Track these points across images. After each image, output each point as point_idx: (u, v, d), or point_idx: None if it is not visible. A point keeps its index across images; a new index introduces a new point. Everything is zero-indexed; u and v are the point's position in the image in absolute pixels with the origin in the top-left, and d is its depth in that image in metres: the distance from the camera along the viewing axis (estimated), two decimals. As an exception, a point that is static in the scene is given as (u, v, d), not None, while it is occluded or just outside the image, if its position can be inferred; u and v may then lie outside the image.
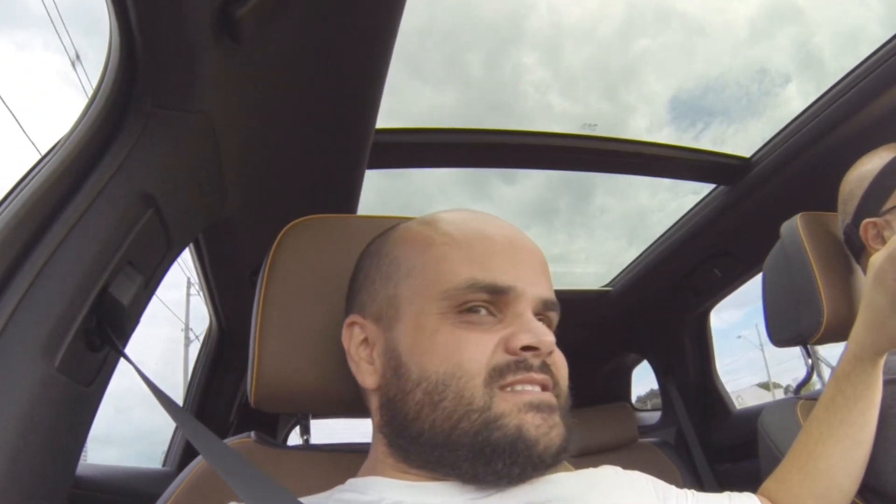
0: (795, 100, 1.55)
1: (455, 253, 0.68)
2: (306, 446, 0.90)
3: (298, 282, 0.85)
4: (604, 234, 2.43)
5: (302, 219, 0.90)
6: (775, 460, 1.17)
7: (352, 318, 0.74)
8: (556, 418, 0.64)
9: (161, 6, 0.75)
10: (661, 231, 2.31)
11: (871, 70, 1.41)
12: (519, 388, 0.63)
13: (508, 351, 0.64)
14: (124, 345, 0.87)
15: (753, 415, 2.42)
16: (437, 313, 0.65)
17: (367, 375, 0.71)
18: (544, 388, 0.65)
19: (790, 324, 1.24)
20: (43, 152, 0.82)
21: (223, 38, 0.84)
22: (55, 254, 0.74)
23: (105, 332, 0.82)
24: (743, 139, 1.64)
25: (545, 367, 0.65)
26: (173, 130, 0.91)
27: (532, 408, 0.62)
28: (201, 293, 1.87)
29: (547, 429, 0.62)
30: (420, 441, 0.65)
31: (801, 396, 1.26)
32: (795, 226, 1.22)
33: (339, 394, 0.81)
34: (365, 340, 0.72)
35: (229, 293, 1.74)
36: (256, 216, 1.32)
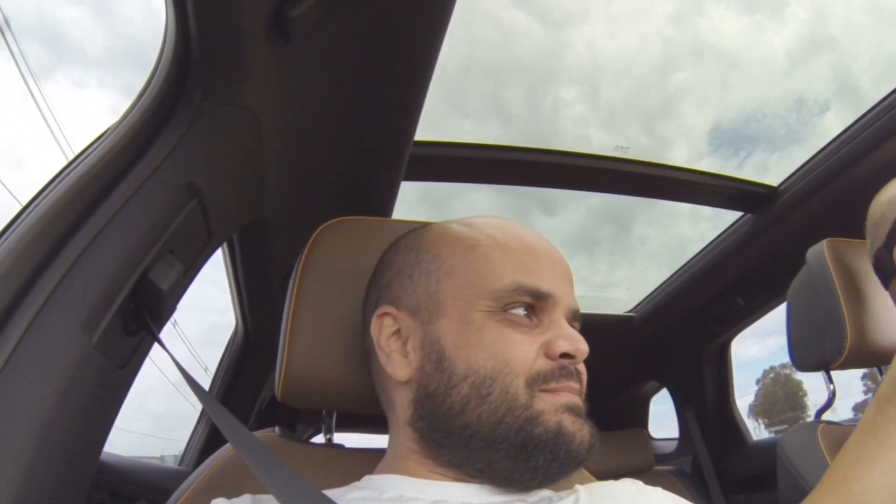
0: (835, 127, 1.55)
1: (500, 256, 0.70)
2: (329, 444, 0.90)
3: (331, 280, 0.87)
4: (644, 263, 2.44)
5: (337, 219, 0.92)
6: (795, 485, 1.16)
7: (384, 308, 0.74)
8: (584, 419, 0.67)
9: (219, 2, 0.78)
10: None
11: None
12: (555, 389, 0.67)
13: (549, 356, 0.67)
14: (159, 330, 0.88)
15: (770, 446, 2.42)
16: (483, 310, 0.67)
17: (400, 367, 0.71)
18: (574, 393, 0.68)
19: (814, 349, 1.24)
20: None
21: (276, 36, 0.87)
22: (99, 235, 0.76)
23: (142, 316, 0.84)
24: (786, 166, 1.65)
25: (577, 375, 0.69)
26: (221, 124, 0.94)
27: (568, 409, 0.66)
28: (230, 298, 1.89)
29: (580, 426, 0.66)
30: (464, 435, 0.66)
31: (822, 421, 1.25)
32: (822, 251, 1.23)
33: (365, 391, 0.82)
34: (397, 332, 0.73)
35: (258, 297, 1.75)
36: (293, 217, 1.34)
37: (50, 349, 0.68)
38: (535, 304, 0.69)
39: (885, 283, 1.04)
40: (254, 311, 1.87)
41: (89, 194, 0.77)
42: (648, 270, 2.72)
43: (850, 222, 1.23)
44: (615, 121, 2.28)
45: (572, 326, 0.72)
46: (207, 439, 2.04)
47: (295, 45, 0.90)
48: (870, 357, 1.18)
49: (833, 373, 1.28)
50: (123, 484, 1.42)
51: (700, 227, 2.03)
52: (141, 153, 0.85)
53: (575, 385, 0.68)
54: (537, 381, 0.66)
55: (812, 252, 1.27)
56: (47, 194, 0.75)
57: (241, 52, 0.86)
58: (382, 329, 0.74)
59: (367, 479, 0.72)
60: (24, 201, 0.78)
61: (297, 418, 2.66)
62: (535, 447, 0.64)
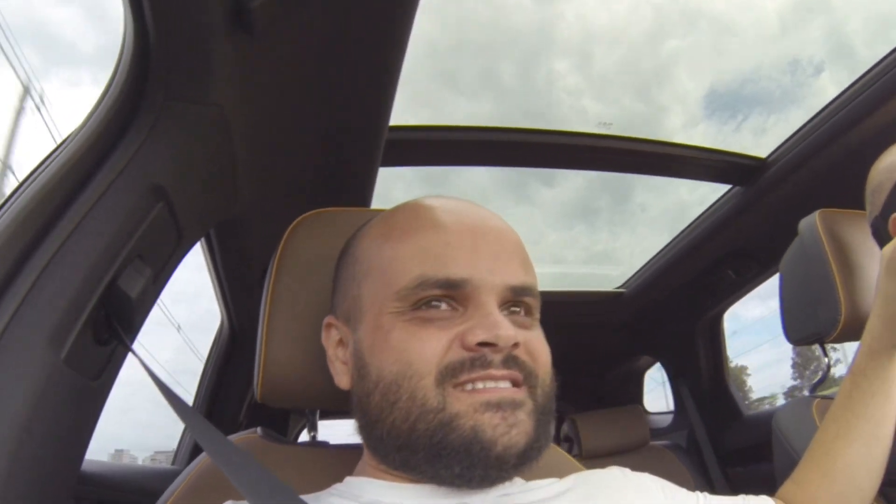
0: (830, 88, 1.54)
1: (407, 249, 0.66)
2: (313, 443, 0.89)
3: (307, 276, 0.85)
4: (645, 230, 2.44)
5: (310, 213, 0.90)
6: (790, 460, 1.15)
7: (328, 318, 0.74)
8: (521, 416, 0.61)
9: None
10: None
11: (893, 66, 1.40)
12: (480, 385, 0.60)
13: (465, 347, 0.61)
14: (132, 339, 0.86)
15: (765, 417, 2.43)
16: (392, 312, 0.64)
17: (341, 376, 0.71)
18: (514, 383, 0.62)
19: (807, 322, 1.23)
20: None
21: (237, 30, 0.84)
22: (64, 245, 0.74)
23: (112, 325, 0.82)
24: (784, 128, 1.65)
25: (511, 361, 0.62)
26: (186, 123, 0.91)
27: (490, 407, 0.59)
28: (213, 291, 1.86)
29: (506, 428, 0.59)
30: (385, 443, 0.63)
31: (817, 395, 1.25)
32: (814, 223, 1.21)
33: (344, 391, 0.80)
34: (340, 341, 0.72)
35: (240, 291, 1.74)
36: (268, 212, 1.32)
37: (17, 368, 0.66)
38: (452, 293, 0.63)
39: None
40: (237, 306, 1.85)
41: (51, 204, 0.75)
42: (650, 237, 2.73)
43: (841, 192, 1.22)
44: (609, 90, 2.27)
45: (523, 303, 0.67)
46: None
47: (258, 36, 0.87)
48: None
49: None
50: (109, 491, 1.40)
51: (699, 191, 2.04)
52: (104, 157, 0.82)
53: (498, 373, 0.61)
54: (447, 376, 0.60)
55: (804, 223, 1.25)
56: (8, 207, 0.73)
57: (202, 47, 0.83)
58: (329, 339, 0.74)
59: (348, 480, 0.71)
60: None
61: (288, 411, 2.65)
62: (450, 455, 0.58)
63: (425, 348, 0.61)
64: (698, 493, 0.77)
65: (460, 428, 0.58)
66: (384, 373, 0.62)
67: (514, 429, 0.59)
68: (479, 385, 0.60)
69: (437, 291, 0.63)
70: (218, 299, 1.88)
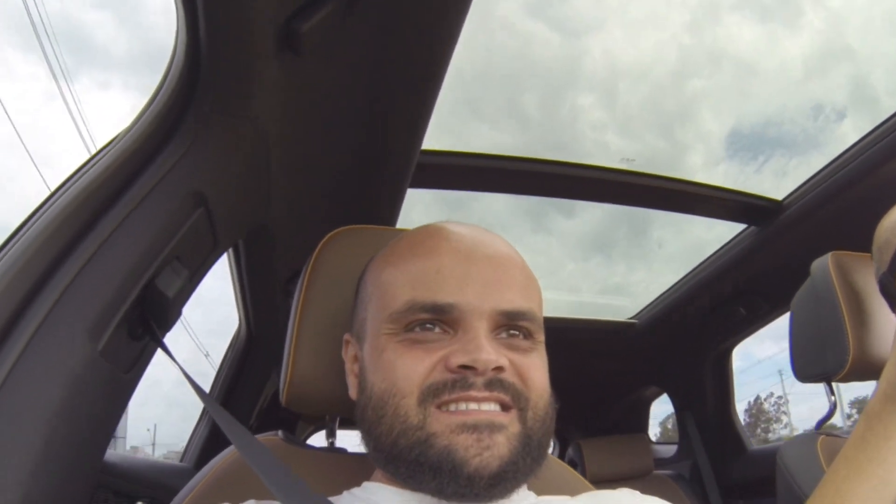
0: (852, 134, 1.56)
1: (401, 276, 0.69)
2: (331, 449, 0.91)
3: (336, 289, 0.87)
4: (662, 266, 2.44)
5: (343, 228, 0.93)
6: (793, 496, 1.17)
7: (347, 335, 0.79)
8: (499, 438, 0.61)
9: (229, 15, 0.78)
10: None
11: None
12: (462, 406, 0.62)
13: (448, 369, 0.63)
14: (164, 335, 0.89)
15: (769, 453, 2.42)
16: (386, 333, 0.67)
17: (352, 388, 0.75)
18: (503, 405, 0.64)
19: (816, 361, 1.24)
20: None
21: (285, 50, 0.87)
22: (107, 242, 0.76)
23: (147, 322, 0.85)
24: (806, 171, 1.67)
25: (495, 384, 0.63)
26: (228, 135, 0.94)
27: (466, 428, 0.61)
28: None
29: (479, 449, 0.60)
30: (376, 454, 0.67)
31: (822, 432, 1.26)
32: (826, 265, 1.23)
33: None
34: (355, 357, 0.75)
35: (261, 299, 1.76)
36: (296, 224, 1.35)
37: (56, 355, 0.68)
38: (441, 318, 0.66)
39: (893, 306, 1.03)
40: (257, 312, 1.87)
41: (97, 201, 0.78)
42: (666, 274, 2.74)
43: (854, 236, 1.23)
44: (633, 126, 2.28)
45: (520, 328, 0.69)
46: (209, 437, 2.05)
47: (304, 58, 0.91)
48: (872, 371, 1.18)
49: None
50: (125, 483, 1.43)
51: (716, 230, 2.05)
52: (149, 161, 0.85)
53: (479, 395, 0.62)
54: (429, 396, 0.62)
55: (817, 265, 1.27)
56: (56, 200, 0.76)
57: (250, 64, 0.87)
58: (347, 354, 0.78)
59: (365, 485, 0.73)
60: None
61: (297, 416, 2.67)
62: (426, 471, 0.61)
63: (410, 368, 0.64)
64: None
65: (436, 446, 0.61)
66: (375, 389, 0.66)
67: (487, 451, 0.60)
68: (462, 406, 0.62)
69: (425, 315, 0.66)
70: (237, 303, 1.91)
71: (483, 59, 1.95)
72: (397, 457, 0.63)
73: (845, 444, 0.85)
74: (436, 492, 0.62)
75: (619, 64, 2.14)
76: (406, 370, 0.64)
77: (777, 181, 1.79)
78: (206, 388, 2.19)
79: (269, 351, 2.04)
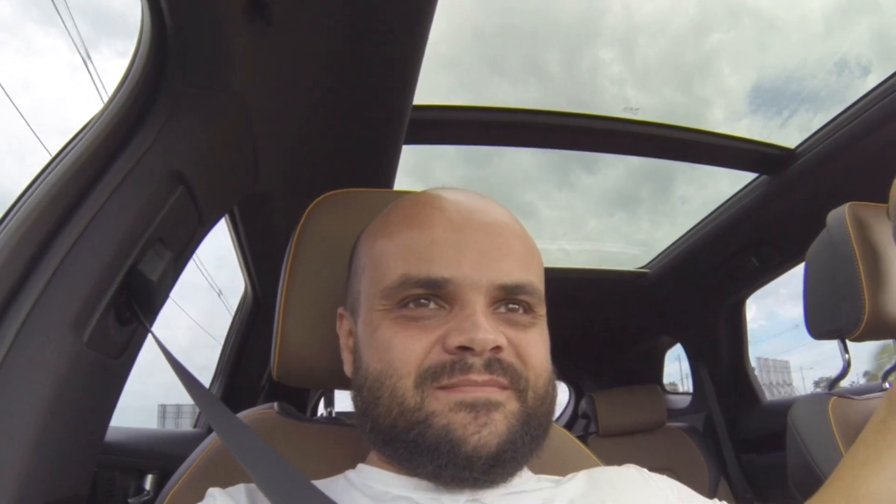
0: None
1: (393, 248, 0.66)
2: (330, 419, 0.89)
3: (324, 257, 0.85)
4: (685, 221, 2.42)
5: (329, 193, 0.89)
6: (801, 456, 1.15)
7: (341, 309, 0.76)
8: (496, 416, 0.59)
9: None
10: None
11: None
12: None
13: (446, 350, 0.60)
14: (152, 321, 0.88)
15: (782, 407, 2.42)
16: (379, 310, 0.64)
17: (347, 364, 0.73)
18: (502, 388, 0.61)
19: (830, 317, 1.21)
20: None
21: (255, 19, 0.83)
22: (85, 232, 0.74)
23: (133, 308, 0.83)
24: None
25: (494, 365, 0.60)
26: (204, 109, 0.91)
27: (464, 406, 0.59)
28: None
29: (477, 427, 0.58)
30: (373, 436, 0.65)
31: (834, 392, 1.23)
32: (843, 216, 1.18)
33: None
34: (350, 331, 0.72)
35: (263, 263, 1.75)
36: (291, 190, 1.32)
37: (41, 352, 0.67)
38: (435, 292, 0.62)
39: None
40: (261, 276, 1.87)
41: (72, 191, 0.76)
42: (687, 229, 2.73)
43: (869, 186, 1.19)
44: (652, 80, 2.23)
45: (520, 301, 0.65)
46: (223, 399, 2.06)
47: (276, 26, 0.87)
48: (888, 330, 1.15)
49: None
50: (131, 459, 1.44)
51: (740, 183, 2.02)
52: (124, 144, 0.82)
53: (479, 378, 0.59)
54: (427, 379, 0.60)
55: (833, 215, 1.23)
56: (31, 194, 0.74)
57: (219, 36, 0.83)
58: (342, 328, 0.75)
59: (360, 468, 0.71)
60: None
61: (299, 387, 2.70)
62: (427, 451, 0.59)
63: (406, 349, 0.61)
64: (716, 500, 0.74)
65: (434, 426, 0.59)
66: (371, 369, 0.64)
67: (484, 429, 0.58)
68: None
69: (419, 290, 0.62)
70: (242, 269, 1.91)
71: (503, 16, 1.92)
72: (395, 439, 0.61)
73: (866, 427, 0.81)
74: (433, 476, 0.60)
75: (638, 18, 2.09)
76: (402, 351, 0.61)
77: (803, 136, 1.73)
78: (217, 351, 2.22)
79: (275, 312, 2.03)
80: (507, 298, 0.64)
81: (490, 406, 0.59)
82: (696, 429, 2.68)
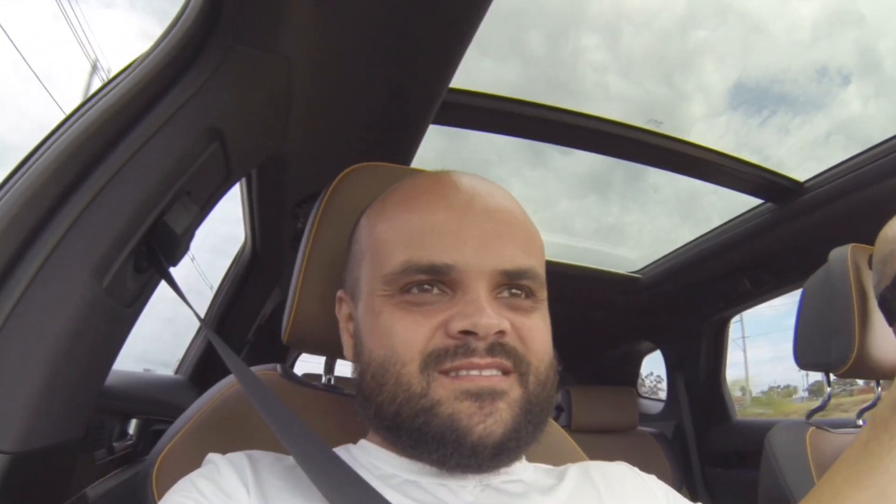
0: (856, 101, 1.52)
1: (394, 233, 0.66)
2: (329, 387, 0.90)
3: (347, 229, 0.83)
4: (656, 209, 2.44)
5: (358, 165, 0.89)
6: (775, 478, 1.19)
7: (340, 292, 0.75)
8: (500, 405, 0.60)
9: None
10: (714, 213, 2.31)
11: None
12: (463, 372, 0.60)
13: (448, 334, 0.60)
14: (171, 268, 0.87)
15: (753, 426, 2.47)
16: (381, 295, 0.64)
17: (348, 348, 0.73)
18: (503, 370, 0.61)
19: (819, 350, 1.24)
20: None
21: None
22: (115, 177, 0.73)
23: (154, 255, 0.83)
24: (808, 130, 1.64)
25: (496, 349, 0.61)
26: (250, 68, 0.90)
27: (469, 395, 0.59)
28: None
29: (483, 416, 0.59)
30: (376, 421, 0.65)
31: (813, 423, 1.27)
32: (845, 256, 1.21)
33: None
34: (349, 315, 0.73)
35: (269, 220, 1.74)
36: (312, 156, 1.31)
37: (60, 294, 0.67)
38: (438, 278, 0.62)
39: (891, 321, 1.00)
40: (264, 232, 1.86)
41: (107, 133, 0.75)
42: (660, 217, 2.73)
43: (873, 230, 1.21)
44: (634, 71, 2.23)
45: (522, 287, 0.66)
46: (204, 351, 2.07)
47: None
48: (872, 371, 1.18)
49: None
50: (118, 402, 1.44)
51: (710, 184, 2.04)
52: (163, 93, 0.81)
53: (482, 361, 0.60)
54: (431, 363, 0.60)
55: (836, 253, 1.25)
56: (63, 132, 0.72)
57: None
58: (341, 312, 0.75)
59: (364, 445, 0.71)
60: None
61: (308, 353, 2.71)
62: (432, 439, 0.59)
63: (409, 335, 0.61)
64: None
65: (440, 415, 0.59)
66: (374, 356, 0.64)
67: (489, 418, 0.59)
68: (464, 373, 0.60)
69: (422, 277, 0.62)
70: (245, 221, 1.90)
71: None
72: (400, 426, 0.61)
73: (849, 448, 0.82)
74: (437, 463, 0.61)
75: (626, 8, 2.08)
76: (405, 336, 0.61)
77: (781, 137, 1.76)
78: (207, 301, 2.23)
79: (271, 269, 2.03)
80: (510, 283, 0.65)
81: (495, 395, 0.60)
82: (665, 436, 2.72)
